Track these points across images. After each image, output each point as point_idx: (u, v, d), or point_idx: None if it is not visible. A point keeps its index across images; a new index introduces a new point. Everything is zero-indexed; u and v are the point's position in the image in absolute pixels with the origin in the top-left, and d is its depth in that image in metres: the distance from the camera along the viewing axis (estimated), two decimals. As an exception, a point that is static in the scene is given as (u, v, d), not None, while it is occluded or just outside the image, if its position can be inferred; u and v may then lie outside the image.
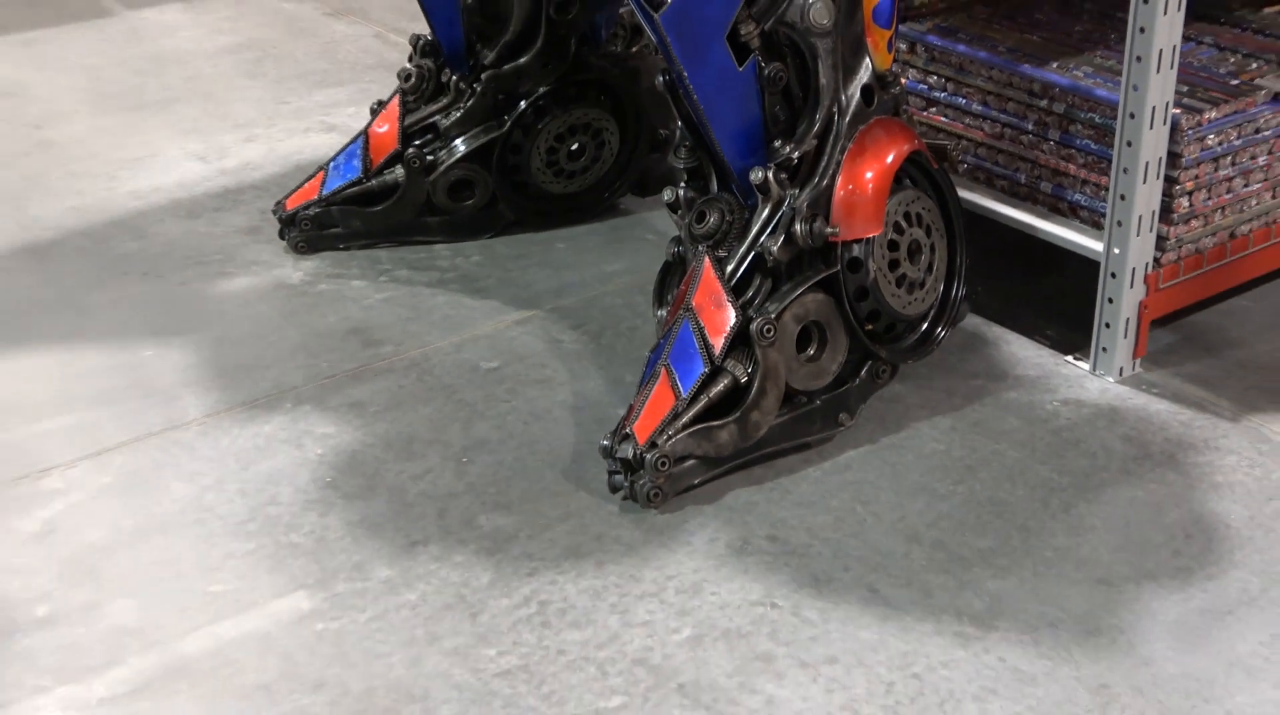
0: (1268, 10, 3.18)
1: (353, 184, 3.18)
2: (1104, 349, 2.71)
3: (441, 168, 3.15)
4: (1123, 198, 2.59)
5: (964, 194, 2.85)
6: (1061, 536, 2.34)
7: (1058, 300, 2.92)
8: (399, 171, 3.16)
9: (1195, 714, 2.00)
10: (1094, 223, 2.73)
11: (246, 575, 2.29)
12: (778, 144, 2.48)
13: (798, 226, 2.43)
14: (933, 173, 2.63)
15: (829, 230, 2.45)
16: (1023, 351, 2.82)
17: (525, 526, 2.38)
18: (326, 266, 3.17)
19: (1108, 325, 2.69)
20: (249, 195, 3.46)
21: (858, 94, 2.50)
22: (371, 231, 3.20)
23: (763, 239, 2.45)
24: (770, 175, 2.45)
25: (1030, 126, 2.80)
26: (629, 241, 3.23)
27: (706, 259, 2.48)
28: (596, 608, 2.21)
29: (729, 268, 2.47)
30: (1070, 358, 2.78)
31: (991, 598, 2.22)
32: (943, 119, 2.94)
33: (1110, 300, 2.68)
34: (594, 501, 2.43)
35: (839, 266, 2.49)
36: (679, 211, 2.58)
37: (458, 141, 3.16)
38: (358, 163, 3.20)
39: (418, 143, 3.17)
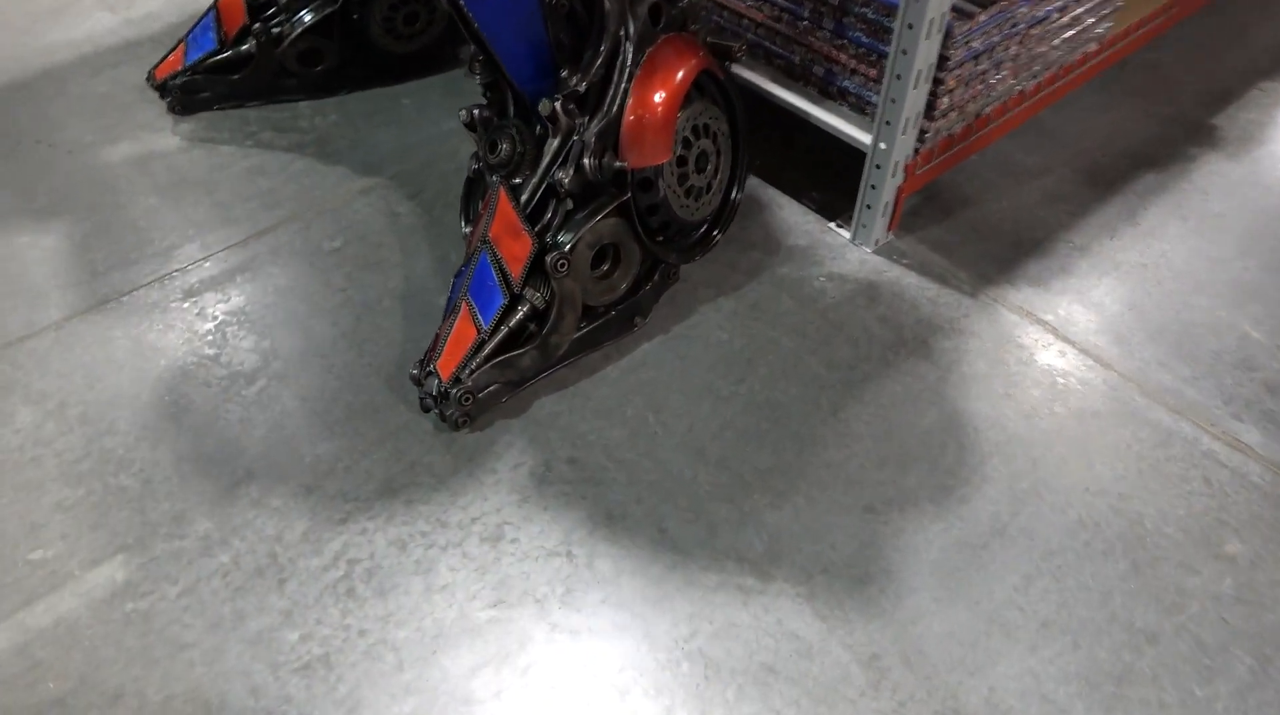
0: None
1: (211, 55, 1.85)
2: (864, 225, 1.63)
3: (287, 40, 1.84)
4: (893, 101, 1.44)
5: (744, 73, 1.67)
6: (832, 448, 1.35)
7: (823, 166, 1.79)
8: (252, 43, 1.86)
9: (961, 690, 1.10)
10: (859, 108, 1.58)
11: (69, 534, 1.24)
12: (565, 74, 1.28)
13: (586, 160, 1.28)
14: (721, 81, 1.45)
15: (617, 164, 1.29)
16: (793, 217, 1.72)
17: (345, 455, 1.33)
18: (201, 129, 1.89)
19: (869, 206, 1.60)
20: (146, 49, 2.10)
21: (645, 14, 1.29)
22: (237, 94, 1.90)
23: (554, 170, 1.30)
24: (558, 107, 1.26)
25: (806, 14, 1.59)
26: (465, 95, 1.99)
27: (501, 189, 1.33)
28: (402, 566, 1.21)
29: (523, 197, 1.32)
30: (833, 225, 1.69)
31: (770, 536, 1.24)
32: (727, -3, 1.71)
33: (873, 187, 1.57)
34: (411, 417, 1.37)
35: (629, 192, 1.36)
36: (476, 131, 1.39)
37: (302, 14, 1.84)
38: (213, 35, 1.86)
39: (265, 16, 1.85)
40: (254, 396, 1.40)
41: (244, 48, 1.84)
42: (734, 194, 1.52)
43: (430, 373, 1.31)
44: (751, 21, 1.66)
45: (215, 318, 1.52)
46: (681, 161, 1.38)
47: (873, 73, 1.52)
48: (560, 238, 1.30)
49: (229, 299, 1.55)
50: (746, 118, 1.49)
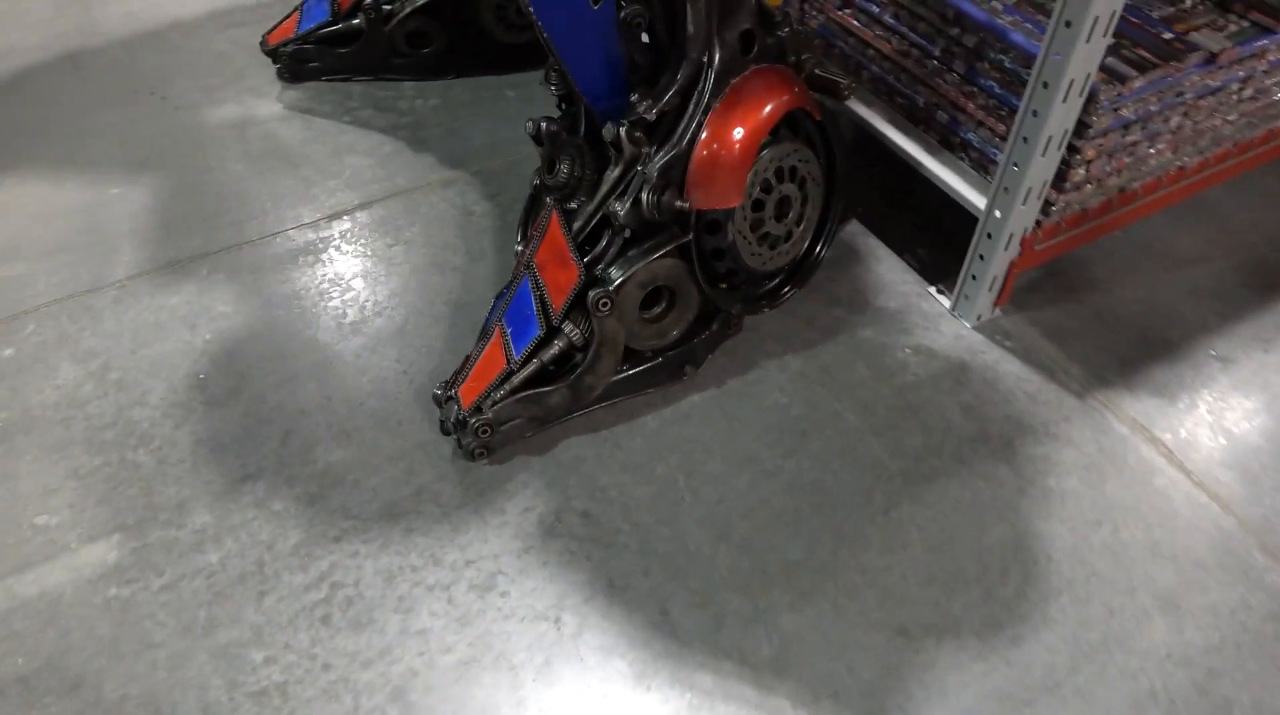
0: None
1: (323, 26, 1.83)
2: (966, 296, 1.45)
3: (396, 19, 1.80)
4: (1016, 167, 1.26)
5: (860, 110, 1.51)
6: (875, 551, 1.19)
7: (934, 221, 1.61)
8: (362, 19, 1.82)
9: None
10: (980, 166, 1.40)
11: (76, 504, 1.23)
12: (635, 98, 1.16)
13: (644, 195, 1.16)
14: (821, 121, 1.31)
15: (678, 204, 1.17)
16: (890, 274, 1.55)
17: (356, 466, 1.27)
18: (305, 99, 1.87)
19: (974, 277, 1.42)
20: (275, 10, 2.11)
21: (734, 41, 1.15)
22: (345, 68, 1.87)
23: (611, 201, 1.19)
24: (623, 133, 1.15)
25: (937, 52, 1.42)
26: (572, 93, 1.91)
27: (553, 213, 1.24)
28: (384, 600, 1.14)
29: (576, 223, 1.22)
30: (933, 289, 1.52)
31: (782, 641, 1.11)
32: (855, 22, 1.55)
33: (981, 257, 1.39)
34: (432, 437, 1.29)
35: (692, 234, 1.23)
36: (541, 145, 1.30)
37: (415, -7, 1.80)
38: (327, 6, 1.84)
39: (378, -9, 1.81)
40: (283, 386, 1.37)
41: (355, 22, 1.81)
42: (819, 248, 1.38)
43: (452, 397, 1.24)
44: (877, 53, 1.50)
45: (268, 300, 1.49)
46: (758, 206, 1.25)
47: (1001, 129, 1.34)
48: (610, 273, 1.19)
49: (287, 280, 1.52)
50: (847, 163, 1.34)
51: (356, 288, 1.51)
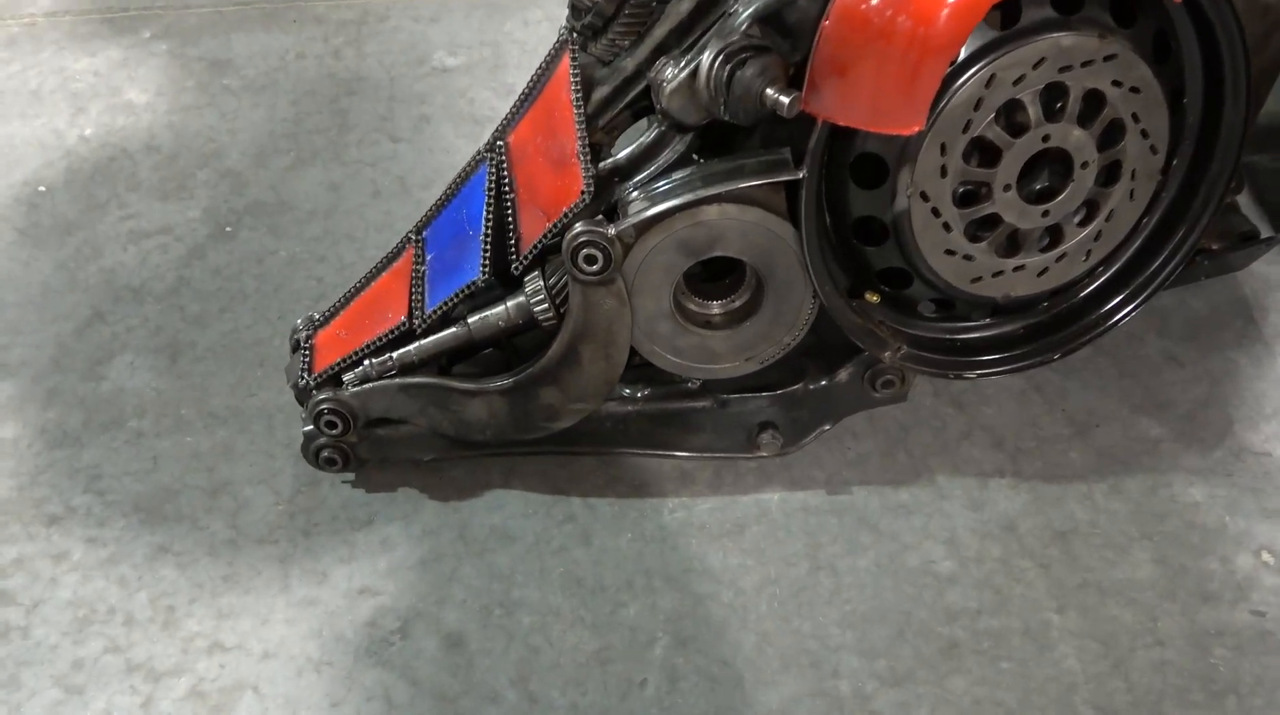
0: None
1: None
2: None
3: None
4: None
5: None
6: None
7: None
8: None
9: None
10: None
11: None
12: None
13: (705, 60, 0.68)
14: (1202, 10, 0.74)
15: (769, 94, 0.68)
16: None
17: (156, 409, 0.97)
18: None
19: None
20: None
21: None
22: None
23: (662, 59, 0.73)
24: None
25: None
26: None
27: (564, 57, 0.79)
28: (52, 657, 0.84)
29: (600, 90, 0.77)
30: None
31: None
32: None
33: None
34: (294, 402, 0.94)
35: (806, 166, 0.73)
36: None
37: None
38: None
39: None
40: (134, 243, 1.09)
41: None
42: (1136, 293, 0.81)
43: (304, 344, 0.85)
44: None
45: (199, 102, 1.20)
46: (987, 157, 0.72)
47: None
48: (632, 200, 0.74)
49: (251, 70, 1.22)
50: (1251, 104, 0.76)
51: (342, 114, 1.18)
